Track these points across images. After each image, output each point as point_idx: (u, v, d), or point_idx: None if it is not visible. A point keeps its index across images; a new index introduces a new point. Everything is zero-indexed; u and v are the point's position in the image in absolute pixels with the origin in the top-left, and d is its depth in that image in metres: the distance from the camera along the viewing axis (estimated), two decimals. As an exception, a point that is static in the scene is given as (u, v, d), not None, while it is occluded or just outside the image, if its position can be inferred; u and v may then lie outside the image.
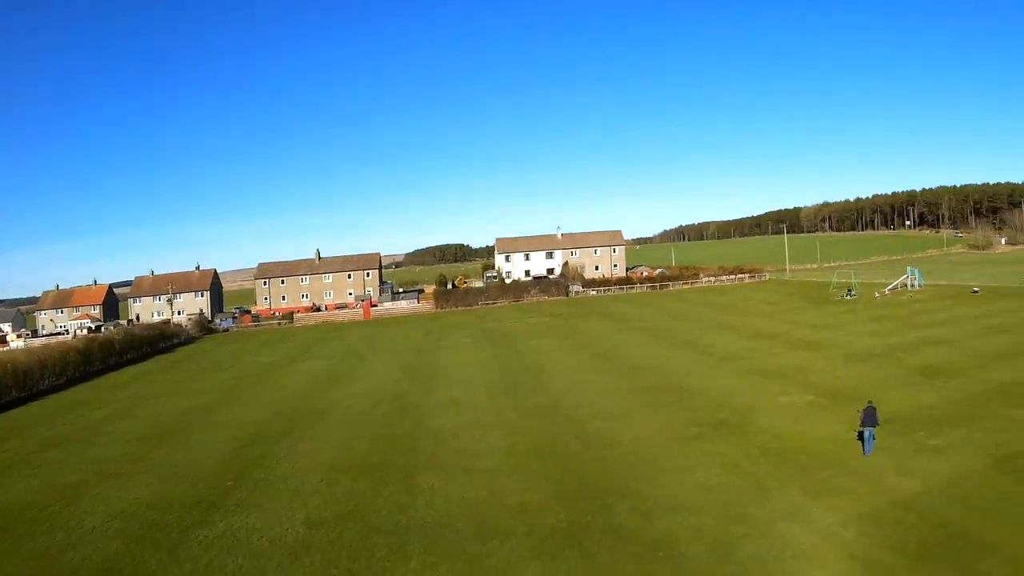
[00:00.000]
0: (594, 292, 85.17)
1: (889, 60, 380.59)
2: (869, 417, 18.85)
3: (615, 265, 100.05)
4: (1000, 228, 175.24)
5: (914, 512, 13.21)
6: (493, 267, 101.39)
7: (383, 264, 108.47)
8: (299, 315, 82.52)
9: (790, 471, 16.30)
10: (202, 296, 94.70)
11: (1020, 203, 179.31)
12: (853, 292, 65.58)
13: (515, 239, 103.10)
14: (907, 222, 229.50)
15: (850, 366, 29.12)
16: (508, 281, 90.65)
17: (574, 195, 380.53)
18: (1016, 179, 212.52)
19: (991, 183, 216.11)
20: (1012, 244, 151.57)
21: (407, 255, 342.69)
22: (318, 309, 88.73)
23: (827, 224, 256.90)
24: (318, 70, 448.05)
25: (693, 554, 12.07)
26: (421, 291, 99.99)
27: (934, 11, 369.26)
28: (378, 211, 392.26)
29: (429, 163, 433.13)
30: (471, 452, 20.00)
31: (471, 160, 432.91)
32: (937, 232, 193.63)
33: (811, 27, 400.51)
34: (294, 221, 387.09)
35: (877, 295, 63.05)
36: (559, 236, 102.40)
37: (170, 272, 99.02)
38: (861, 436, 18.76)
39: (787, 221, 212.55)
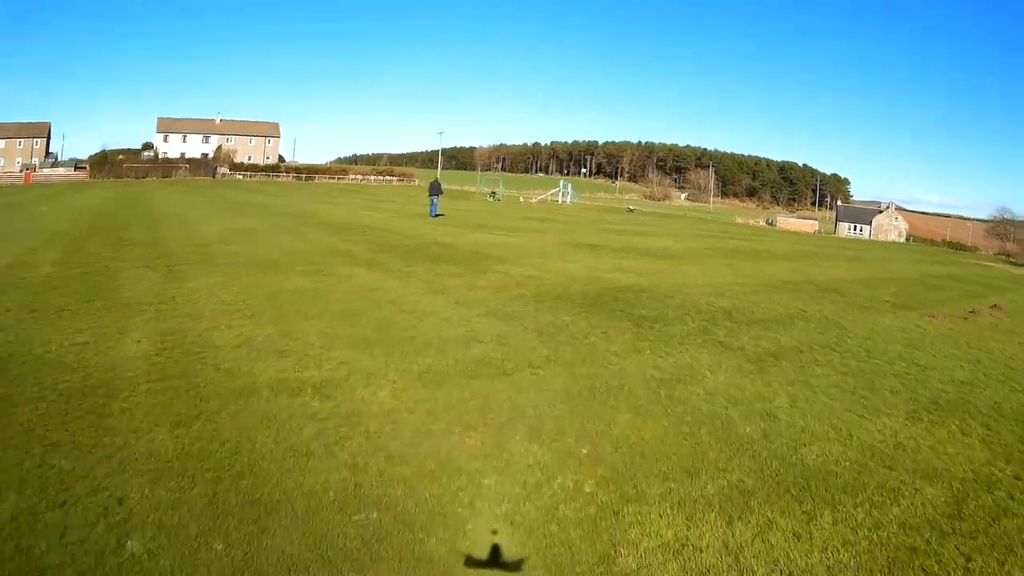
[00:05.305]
0: (240, 176, 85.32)
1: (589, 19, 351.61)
2: (434, 188, 27.48)
3: (268, 157, 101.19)
4: (683, 187, 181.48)
5: (485, 247, 17.17)
6: (152, 147, 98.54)
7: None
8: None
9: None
10: None
11: (708, 166, 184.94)
12: (498, 196, 65.66)
13: (176, 120, 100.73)
14: (583, 170, 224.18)
15: (477, 214, 34.23)
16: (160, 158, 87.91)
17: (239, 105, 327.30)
18: (708, 146, 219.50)
19: (680, 144, 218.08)
20: (692, 200, 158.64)
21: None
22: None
23: (500, 166, 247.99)
24: None
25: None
26: (77, 163, 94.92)
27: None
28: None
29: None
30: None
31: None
32: (613, 182, 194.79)
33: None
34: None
35: (522, 200, 65.33)
36: (218, 121, 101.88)
37: None
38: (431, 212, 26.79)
39: (460, 158, 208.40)
